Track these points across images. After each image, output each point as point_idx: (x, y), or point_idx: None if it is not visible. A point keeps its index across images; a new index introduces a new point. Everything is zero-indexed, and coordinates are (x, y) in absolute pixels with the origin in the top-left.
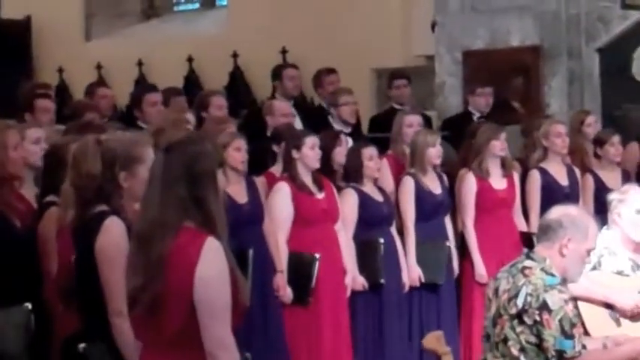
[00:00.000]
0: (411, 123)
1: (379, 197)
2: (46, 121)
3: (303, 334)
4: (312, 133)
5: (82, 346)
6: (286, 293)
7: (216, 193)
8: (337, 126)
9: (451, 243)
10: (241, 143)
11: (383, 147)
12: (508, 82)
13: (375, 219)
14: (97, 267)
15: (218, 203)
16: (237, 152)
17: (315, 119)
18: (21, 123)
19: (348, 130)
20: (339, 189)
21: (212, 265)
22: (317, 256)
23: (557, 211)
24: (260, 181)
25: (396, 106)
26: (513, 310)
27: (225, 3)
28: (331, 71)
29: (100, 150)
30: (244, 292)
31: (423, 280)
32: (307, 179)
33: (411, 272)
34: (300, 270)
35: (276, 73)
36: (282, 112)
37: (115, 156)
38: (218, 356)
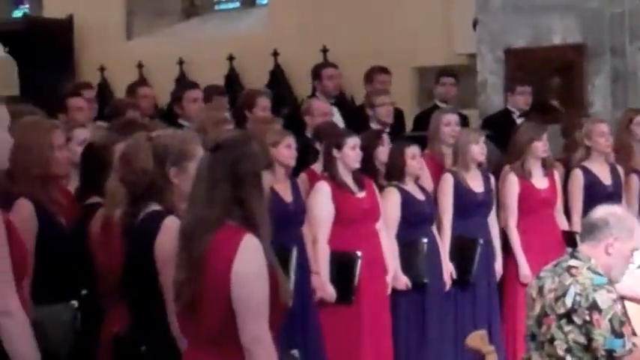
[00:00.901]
0: (448, 121)
1: (421, 196)
2: (81, 119)
3: (343, 333)
4: (354, 134)
5: (143, 348)
6: (328, 292)
7: (260, 194)
8: (375, 126)
9: (495, 243)
10: (291, 141)
11: (425, 145)
12: (550, 81)
13: (417, 218)
14: (155, 266)
15: (261, 204)
16: (288, 149)
17: (356, 118)
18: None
19: (387, 129)
20: (381, 188)
21: (249, 261)
22: (359, 254)
23: (602, 210)
24: (301, 177)
25: (440, 104)
26: (561, 310)
27: (265, 2)
28: (383, 70)
29: (151, 146)
30: (285, 290)
31: (454, 277)
32: (348, 178)
33: (444, 269)
34: (342, 269)
35: (316, 73)
36: (321, 112)
37: (167, 152)
38: (254, 352)
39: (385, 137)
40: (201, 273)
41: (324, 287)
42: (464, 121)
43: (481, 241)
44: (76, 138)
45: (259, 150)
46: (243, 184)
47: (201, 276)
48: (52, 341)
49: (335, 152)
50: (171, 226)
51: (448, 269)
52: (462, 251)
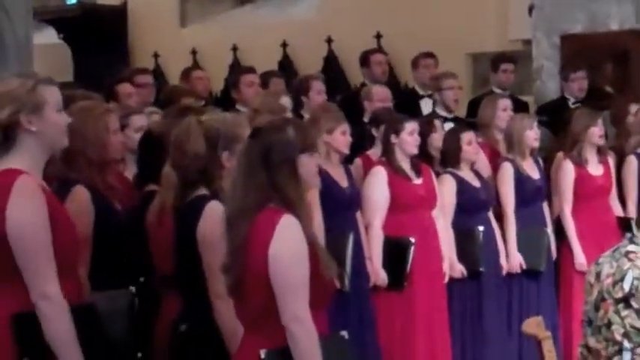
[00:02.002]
0: (505, 106)
1: (477, 182)
2: (132, 105)
3: (396, 319)
4: (412, 119)
5: (183, 327)
6: (380, 277)
7: (296, 179)
8: (440, 111)
9: (549, 229)
10: (346, 127)
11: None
12: (606, 67)
13: (472, 204)
14: (199, 250)
15: (297, 188)
16: (343, 136)
17: (406, 103)
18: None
19: (451, 115)
20: (436, 175)
21: (286, 241)
22: (412, 240)
23: None
24: (356, 163)
25: (497, 91)
26: (619, 294)
27: None
28: (428, 55)
29: (202, 130)
30: (328, 269)
31: (524, 267)
32: (405, 164)
33: (512, 259)
34: (395, 254)
35: (364, 59)
36: (380, 98)
37: (218, 135)
38: (294, 331)
39: (438, 124)
40: (242, 258)
41: (376, 272)
42: (524, 108)
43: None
44: (132, 124)
45: (294, 136)
46: (277, 170)
47: (242, 261)
48: (110, 327)
49: (393, 138)
50: (213, 210)
51: (516, 259)
52: (530, 241)
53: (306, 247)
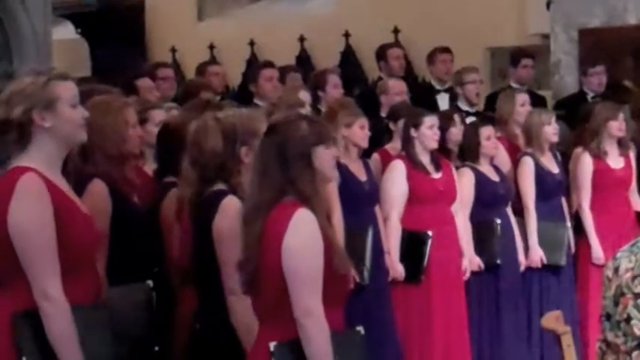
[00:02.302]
0: (524, 101)
1: (495, 177)
2: (152, 99)
3: (415, 312)
4: (432, 113)
5: (197, 325)
6: (397, 270)
7: (311, 173)
8: (462, 106)
9: (568, 223)
10: (364, 121)
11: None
12: (625, 61)
13: (491, 199)
14: (214, 245)
15: (313, 182)
16: (361, 130)
17: (423, 97)
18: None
19: (473, 109)
20: (455, 169)
21: (299, 234)
22: (430, 233)
23: None
24: (374, 157)
25: (515, 86)
26: (638, 289)
27: None
28: (445, 50)
29: (219, 126)
30: (343, 263)
31: (545, 262)
32: (425, 158)
33: (533, 254)
34: (412, 247)
35: (381, 53)
36: (396, 91)
37: (235, 131)
38: (305, 325)
39: (457, 118)
40: (257, 253)
41: (394, 265)
42: (541, 102)
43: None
44: (152, 119)
45: (308, 129)
46: (292, 166)
47: (255, 260)
48: (127, 321)
49: (412, 132)
50: (229, 205)
51: (537, 254)
52: (550, 236)
53: (321, 241)
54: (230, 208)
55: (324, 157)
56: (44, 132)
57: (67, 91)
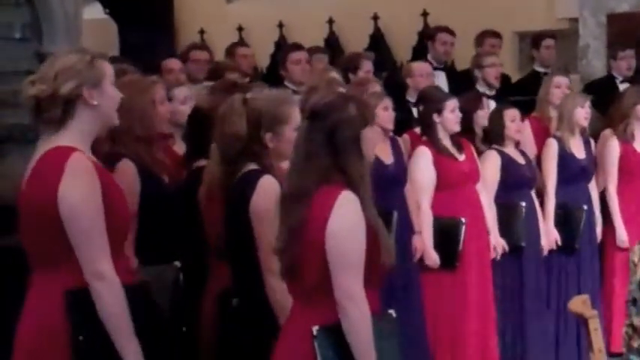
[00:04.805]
0: (559, 84)
1: (521, 160)
2: (174, 80)
3: (448, 298)
4: (452, 96)
5: (235, 300)
6: (431, 258)
7: (360, 156)
8: (481, 89)
9: (595, 209)
10: (388, 102)
11: (525, 110)
12: None
13: (516, 182)
14: (251, 225)
15: (361, 167)
16: (385, 112)
17: (462, 82)
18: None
19: (492, 93)
20: (480, 152)
21: (343, 216)
22: (463, 220)
23: None
24: (404, 138)
25: (539, 69)
26: None
27: None
28: (495, 34)
29: (245, 110)
30: (387, 249)
31: (559, 244)
32: (447, 142)
33: (549, 235)
34: (446, 235)
35: (430, 35)
36: (421, 72)
37: (260, 116)
38: (346, 308)
39: (485, 101)
40: (297, 243)
41: (428, 253)
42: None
43: (585, 207)
44: (177, 97)
45: (356, 112)
46: (342, 151)
47: (297, 245)
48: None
49: (435, 117)
50: (266, 185)
51: (552, 235)
52: (568, 218)
53: (364, 224)
54: (269, 188)
55: (371, 139)
56: (89, 109)
57: (110, 69)
